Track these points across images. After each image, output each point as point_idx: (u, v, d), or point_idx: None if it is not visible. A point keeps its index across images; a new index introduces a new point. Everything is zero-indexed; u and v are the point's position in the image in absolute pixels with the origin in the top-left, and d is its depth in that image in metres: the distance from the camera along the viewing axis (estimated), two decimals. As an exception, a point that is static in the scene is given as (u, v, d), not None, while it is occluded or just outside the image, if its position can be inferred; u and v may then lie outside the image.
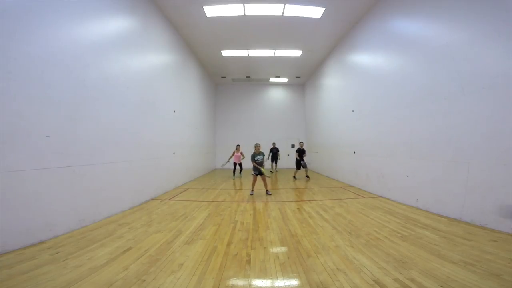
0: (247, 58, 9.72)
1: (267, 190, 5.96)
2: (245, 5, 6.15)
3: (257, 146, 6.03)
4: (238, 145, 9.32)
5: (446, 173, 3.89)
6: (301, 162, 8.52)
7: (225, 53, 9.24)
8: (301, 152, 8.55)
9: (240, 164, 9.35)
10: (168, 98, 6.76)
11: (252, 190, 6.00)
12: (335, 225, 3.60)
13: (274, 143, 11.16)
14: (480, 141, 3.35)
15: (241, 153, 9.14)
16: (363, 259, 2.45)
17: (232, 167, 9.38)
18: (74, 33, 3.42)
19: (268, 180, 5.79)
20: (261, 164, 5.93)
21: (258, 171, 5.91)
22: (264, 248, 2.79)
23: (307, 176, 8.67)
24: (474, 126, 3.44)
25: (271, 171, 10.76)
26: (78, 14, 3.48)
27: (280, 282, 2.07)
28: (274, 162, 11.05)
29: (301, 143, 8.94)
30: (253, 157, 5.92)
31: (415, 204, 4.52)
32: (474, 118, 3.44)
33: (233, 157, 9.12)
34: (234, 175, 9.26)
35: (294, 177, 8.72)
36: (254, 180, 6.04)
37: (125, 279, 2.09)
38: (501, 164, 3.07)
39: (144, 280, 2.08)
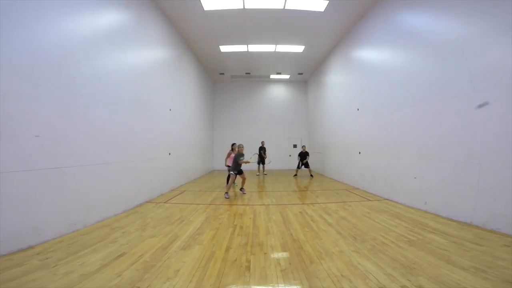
0: (247, 53, 9.72)
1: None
2: (245, -3, 6.16)
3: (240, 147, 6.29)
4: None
5: (456, 174, 3.89)
6: (304, 162, 9.50)
7: (224, 48, 9.24)
8: (303, 155, 9.50)
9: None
10: (164, 95, 6.76)
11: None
12: (339, 229, 3.60)
13: (263, 142, 10.91)
14: (492, 141, 3.35)
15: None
16: (369, 265, 2.45)
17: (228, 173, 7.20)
18: (65, 27, 3.42)
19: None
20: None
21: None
22: (265, 253, 2.79)
23: (311, 175, 9.62)
24: (485, 125, 3.44)
25: (257, 174, 10.59)
26: (69, 7, 3.48)
27: (282, 289, 2.07)
28: (261, 163, 10.62)
29: (303, 146, 10.02)
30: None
31: (424, 207, 4.52)
32: (485, 117, 3.44)
33: (229, 159, 7.15)
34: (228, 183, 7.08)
35: (295, 174, 9.75)
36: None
37: (119, 286, 2.09)
38: (514, 165, 3.07)
39: (139, 287, 2.08)
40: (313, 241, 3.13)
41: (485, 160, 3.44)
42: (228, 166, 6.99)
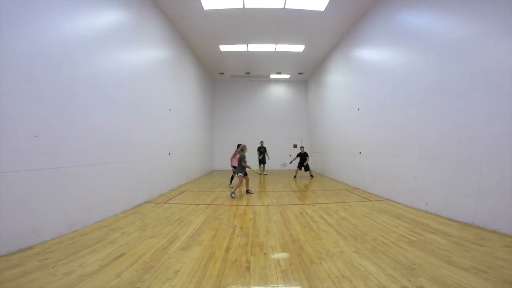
0: (247, 53, 9.72)
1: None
2: (245, -3, 6.15)
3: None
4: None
5: (457, 175, 3.89)
6: (304, 164, 9.45)
7: (224, 48, 9.24)
8: (303, 156, 9.43)
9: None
10: (163, 95, 6.76)
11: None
12: (340, 229, 3.60)
13: (262, 142, 11.00)
14: (493, 141, 3.35)
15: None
16: (369, 266, 2.45)
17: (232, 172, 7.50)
18: (64, 26, 3.42)
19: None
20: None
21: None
22: (265, 254, 2.79)
23: (311, 176, 9.65)
24: (486, 125, 3.44)
25: (259, 173, 10.55)
26: (68, 7, 3.48)
27: (282, 290, 2.08)
28: (262, 163, 10.63)
29: (301, 147, 9.88)
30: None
31: (424, 208, 4.52)
32: (486, 117, 3.44)
33: (234, 159, 7.20)
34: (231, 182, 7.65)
35: (295, 176, 9.58)
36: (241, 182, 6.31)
37: (118, 287, 2.09)
38: (515, 165, 3.07)
39: (138, 288, 2.08)
40: (314, 242, 3.13)
41: (486, 160, 3.44)
42: (234, 166, 7.08)
